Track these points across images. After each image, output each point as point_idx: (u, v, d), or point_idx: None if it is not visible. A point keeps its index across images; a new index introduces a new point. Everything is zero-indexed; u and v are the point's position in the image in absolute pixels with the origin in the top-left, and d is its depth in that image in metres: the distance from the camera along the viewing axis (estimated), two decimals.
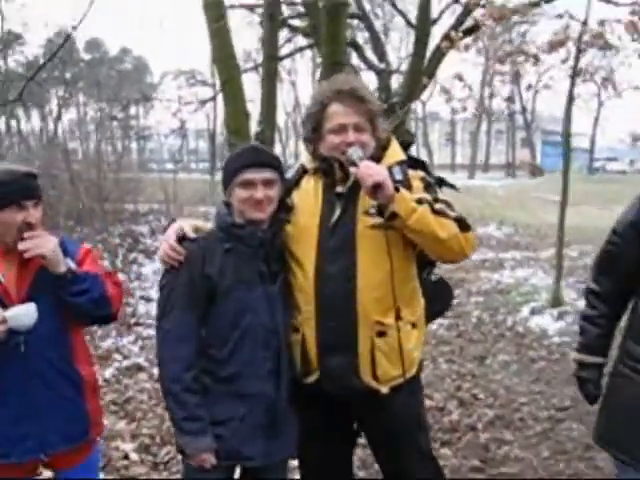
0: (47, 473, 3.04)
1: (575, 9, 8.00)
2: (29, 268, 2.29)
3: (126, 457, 4.31)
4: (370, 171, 2.22)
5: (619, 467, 2.33)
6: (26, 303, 2.23)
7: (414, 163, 2.52)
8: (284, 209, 2.44)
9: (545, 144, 53.57)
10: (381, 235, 2.32)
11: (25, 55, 35.85)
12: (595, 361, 2.42)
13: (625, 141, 55.59)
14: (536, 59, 8.25)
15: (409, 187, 2.36)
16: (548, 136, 53.42)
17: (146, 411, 5.12)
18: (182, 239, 2.34)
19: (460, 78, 8.11)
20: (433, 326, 7.28)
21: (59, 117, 42.24)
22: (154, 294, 8.19)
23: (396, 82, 12.75)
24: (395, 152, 2.51)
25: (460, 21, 8.28)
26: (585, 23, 7.47)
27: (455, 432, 4.65)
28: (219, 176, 2.67)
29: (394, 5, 13.21)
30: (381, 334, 2.34)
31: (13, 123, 35.34)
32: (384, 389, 2.38)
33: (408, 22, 11.78)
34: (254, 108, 5.35)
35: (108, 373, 6.16)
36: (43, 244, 2.23)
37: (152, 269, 9.96)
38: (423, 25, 6.85)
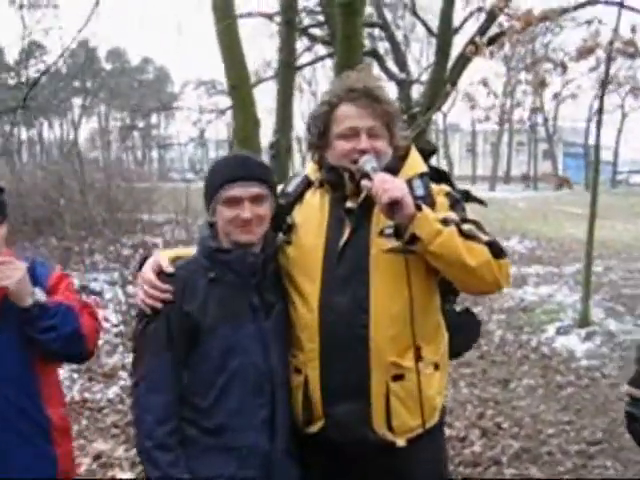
0: None
1: (603, 16, 7.72)
2: None
3: None
4: (386, 185, 1.87)
5: None
6: None
7: (437, 175, 2.16)
8: (283, 228, 2.11)
9: (567, 156, 53.00)
10: (399, 261, 1.96)
11: (47, 64, 36.13)
12: None
13: None
14: (564, 67, 7.89)
15: (432, 204, 2.00)
16: (570, 148, 52.86)
17: None
18: (159, 275, 1.99)
19: (485, 83, 7.76)
20: None
21: (78, 126, 42.52)
22: None
23: (417, 93, 12.56)
24: (416, 162, 2.14)
25: (485, 27, 7.98)
26: (616, 29, 7.11)
27: (477, 466, 4.31)
28: None
29: (415, 13, 12.96)
30: (397, 378, 1.98)
31: (34, 132, 35.63)
32: (400, 442, 2.02)
33: (429, 31, 11.57)
34: (271, 117, 5.19)
35: (112, 392, 5.89)
36: (7, 274, 1.93)
37: None
38: (445, 33, 6.70)
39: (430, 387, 2.04)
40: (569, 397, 5.70)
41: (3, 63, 33.75)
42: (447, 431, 4.44)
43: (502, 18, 7.72)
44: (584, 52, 7.52)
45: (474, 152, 53.69)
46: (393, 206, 1.85)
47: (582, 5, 7.96)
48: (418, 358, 2.00)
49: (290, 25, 5.50)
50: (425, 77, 13.27)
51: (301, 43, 12.04)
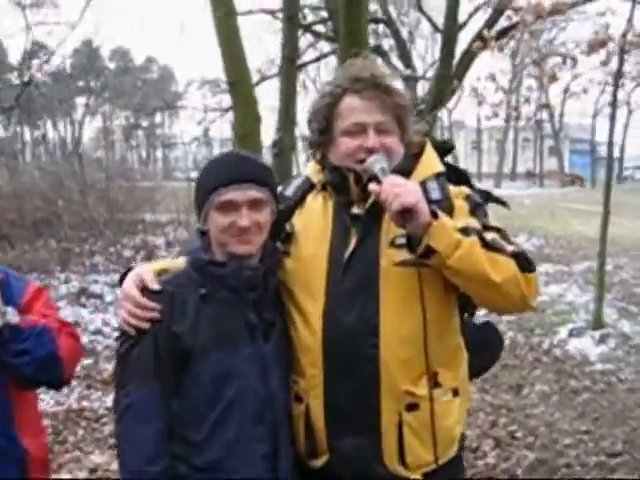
0: None
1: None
2: None
3: None
4: (397, 189, 1.62)
5: None
6: None
7: (456, 175, 1.89)
8: (281, 236, 1.87)
9: (572, 153, 52.64)
10: (412, 275, 1.71)
11: (51, 65, 36.00)
12: None
13: None
14: (574, 61, 7.66)
15: (450, 209, 1.75)
16: (576, 144, 52.52)
17: None
18: (143, 291, 1.74)
19: (493, 78, 7.54)
20: None
21: (82, 126, 42.43)
22: None
23: (422, 90, 12.36)
24: (431, 161, 1.88)
25: (492, 20, 7.76)
26: (630, 20, 6.87)
27: None
28: None
29: (420, 8, 12.73)
30: (411, 407, 1.74)
31: (37, 132, 35.52)
32: (415, 476, 1.78)
33: (434, 26, 11.37)
34: (274, 116, 5.03)
35: (110, 400, 5.68)
36: None
37: None
38: (450, 29, 6.54)
39: (448, 416, 1.80)
40: (585, 404, 5.46)
41: (6, 63, 33.68)
42: None
43: (510, 11, 7.53)
44: (596, 45, 7.29)
45: (479, 149, 53.41)
46: (405, 214, 1.61)
47: None
48: (435, 385, 1.77)
49: (292, 21, 5.40)
50: (430, 74, 13.07)
51: (305, 40, 11.90)
